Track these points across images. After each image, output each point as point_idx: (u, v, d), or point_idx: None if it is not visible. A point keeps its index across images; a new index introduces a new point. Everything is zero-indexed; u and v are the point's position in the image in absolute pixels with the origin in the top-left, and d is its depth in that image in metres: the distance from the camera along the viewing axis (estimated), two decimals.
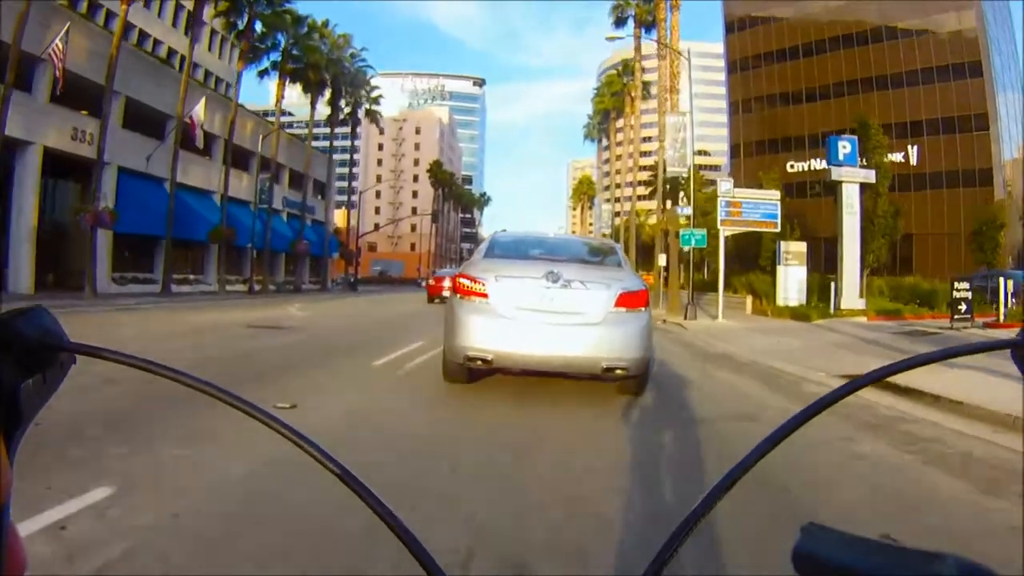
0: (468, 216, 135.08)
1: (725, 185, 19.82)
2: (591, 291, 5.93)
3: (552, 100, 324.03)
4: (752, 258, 32.18)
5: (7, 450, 0.47)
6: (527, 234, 8.28)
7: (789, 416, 0.57)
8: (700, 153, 72.12)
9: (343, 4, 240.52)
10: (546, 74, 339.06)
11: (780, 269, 22.86)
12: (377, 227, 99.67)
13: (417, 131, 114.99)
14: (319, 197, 59.24)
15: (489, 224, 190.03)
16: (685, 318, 19.66)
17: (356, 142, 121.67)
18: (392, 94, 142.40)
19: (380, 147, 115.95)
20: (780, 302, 22.53)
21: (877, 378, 0.55)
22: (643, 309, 6.07)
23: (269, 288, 39.16)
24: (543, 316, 5.85)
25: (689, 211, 22.87)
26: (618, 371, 5.89)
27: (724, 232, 19.90)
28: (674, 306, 22.97)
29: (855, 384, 0.57)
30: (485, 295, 5.97)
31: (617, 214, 47.12)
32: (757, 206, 20.26)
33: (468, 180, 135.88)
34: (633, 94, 41.34)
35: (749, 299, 24.04)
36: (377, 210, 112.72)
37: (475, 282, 6.05)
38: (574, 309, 5.89)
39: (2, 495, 0.45)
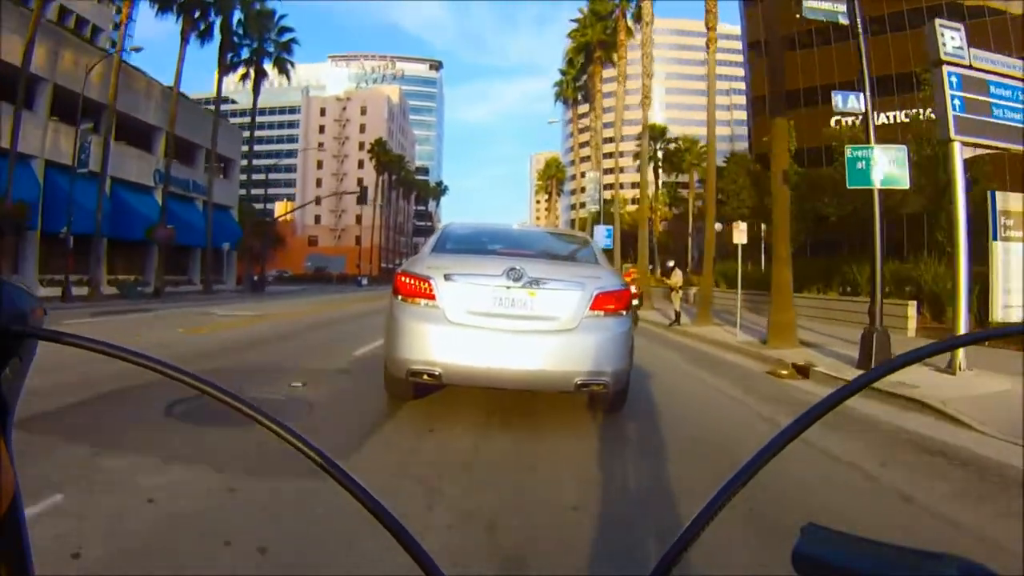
0: (423, 208, 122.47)
1: (953, 35, 8.06)
2: (562, 292, 4.97)
3: (515, 99, 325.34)
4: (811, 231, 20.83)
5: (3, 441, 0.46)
6: (486, 225, 7.03)
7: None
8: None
9: (305, 5, 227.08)
10: (509, 73, 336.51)
11: (996, 247, 11.22)
12: (315, 212, 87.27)
13: (363, 111, 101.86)
14: (222, 176, 46.63)
15: (448, 218, 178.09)
16: (870, 356, 7.93)
17: (294, 129, 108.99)
18: (340, 79, 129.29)
19: (321, 129, 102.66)
20: (998, 315, 10.91)
21: (886, 372, 0.52)
22: (624, 312, 5.14)
23: (101, 292, 26.39)
24: (503, 322, 4.89)
25: (860, 102, 10.72)
26: (595, 387, 4.92)
27: (961, 152, 8.11)
28: (783, 327, 11.11)
29: (865, 379, 0.53)
30: (432, 297, 4.97)
31: (608, 185, 35.41)
32: (1015, 95, 8.56)
33: (424, 171, 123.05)
34: (633, 17, 29.70)
35: (910, 308, 12.37)
36: (318, 200, 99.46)
37: (420, 281, 5.03)
38: (541, 314, 4.94)
39: (8, 493, 0.45)
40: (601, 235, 29.43)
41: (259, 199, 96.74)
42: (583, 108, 47.76)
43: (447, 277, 4.98)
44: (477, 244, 5.96)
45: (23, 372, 0.49)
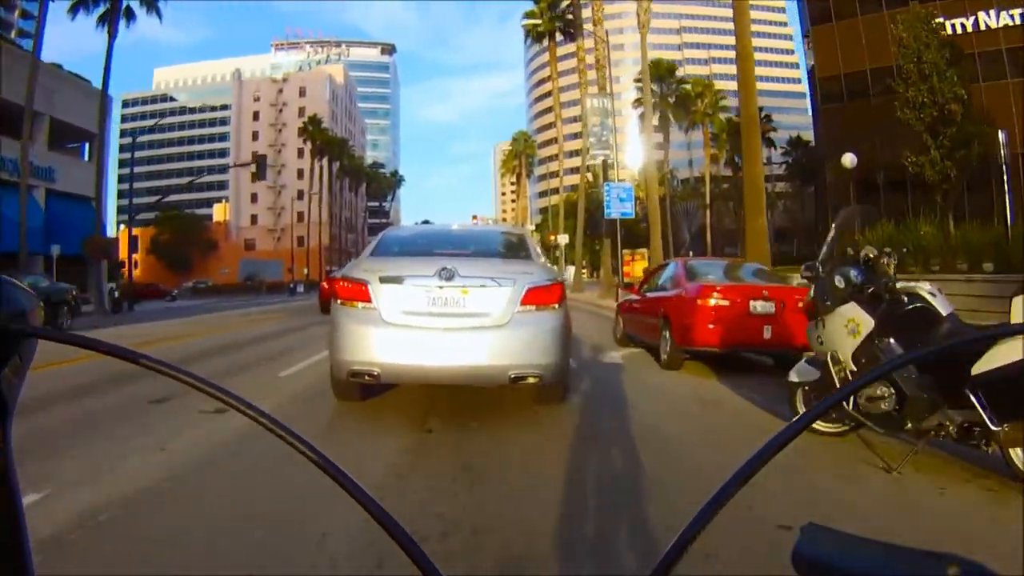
0: (377, 205, 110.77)
1: None
2: (492, 289, 5.08)
3: (478, 96, 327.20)
4: None
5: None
6: (425, 228, 7.82)
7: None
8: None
9: (252, 4, 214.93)
10: (471, 71, 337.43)
11: None
12: (251, 211, 75.55)
13: (302, 93, 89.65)
14: (88, 158, 34.87)
15: (410, 216, 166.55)
16: None
17: (227, 111, 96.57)
18: (282, 69, 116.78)
19: (255, 116, 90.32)
20: None
21: (888, 370, 0.51)
22: (556, 306, 5.23)
23: None
24: (437, 320, 5.02)
25: None
26: (530, 379, 5.03)
27: None
28: None
29: (868, 378, 0.52)
30: (368, 299, 5.11)
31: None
32: None
33: (380, 166, 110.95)
34: None
35: None
36: (254, 197, 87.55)
37: (356, 285, 5.19)
38: (473, 311, 5.06)
39: (8, 492, 0.46)
40: (616, 199, 18.72)
41: (193, 202, 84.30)
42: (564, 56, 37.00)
43: (382, 279, 5.11)
44: (414, 246, 6.07)
45: (23, 372, 0.49)
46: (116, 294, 28.84)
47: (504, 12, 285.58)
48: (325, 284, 20.92)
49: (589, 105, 21.15)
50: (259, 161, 30.20)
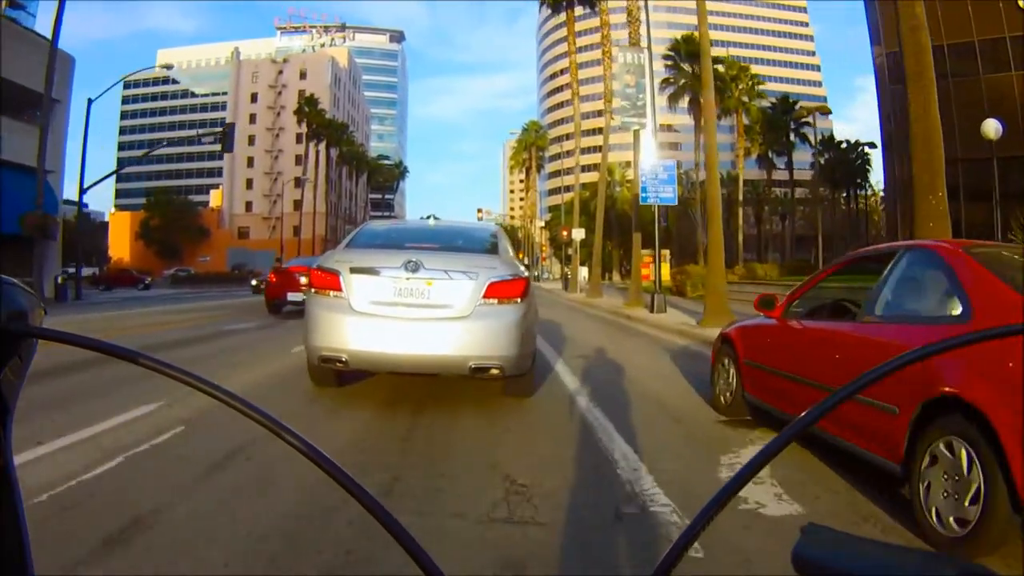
0: (379, 197, 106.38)
1: None
2: (455, 281, 5.23)
3: (488, 95, 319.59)
4: None
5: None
6: (402, 222, 7.99)
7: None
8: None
9: (259, 4, 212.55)
10: (480, 69, 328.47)
11: None
12: (246, 198, 71.55)
13: (302, 75, 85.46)
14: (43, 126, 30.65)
15: (415, 210, 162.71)
16: None
17: (223, 95, 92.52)
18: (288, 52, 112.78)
19: (253, 98, 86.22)
20: None
21: (882, 375, 0.51)
22: (519, 300, 5.34)
23: None
24: (402, 311, 5.21)
25: None
26: (492, 371, 5.19)
27: None
28: None
29: (866, 378, 0.52)
30: (339, 288, 5.32)
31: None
32: None
33: (384, 157, 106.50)
34: None
35: None
36: (249, 183, 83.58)
37: (329, 275, 5.39)
38: (437, 302, 5.23)
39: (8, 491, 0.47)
40: (655, 180, 14.78)
41: (192, 188, 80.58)
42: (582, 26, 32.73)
43: (352, 270, 5.26)
44: (388, 240, 6.24)
45: (23, 372, 0.49)
46: (59, 280, 24.71)
47: (512, 10, 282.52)
48: (273, 276, 16.71)
49: (621, 60, 16.49)
50: (226, 131, 25.95)
